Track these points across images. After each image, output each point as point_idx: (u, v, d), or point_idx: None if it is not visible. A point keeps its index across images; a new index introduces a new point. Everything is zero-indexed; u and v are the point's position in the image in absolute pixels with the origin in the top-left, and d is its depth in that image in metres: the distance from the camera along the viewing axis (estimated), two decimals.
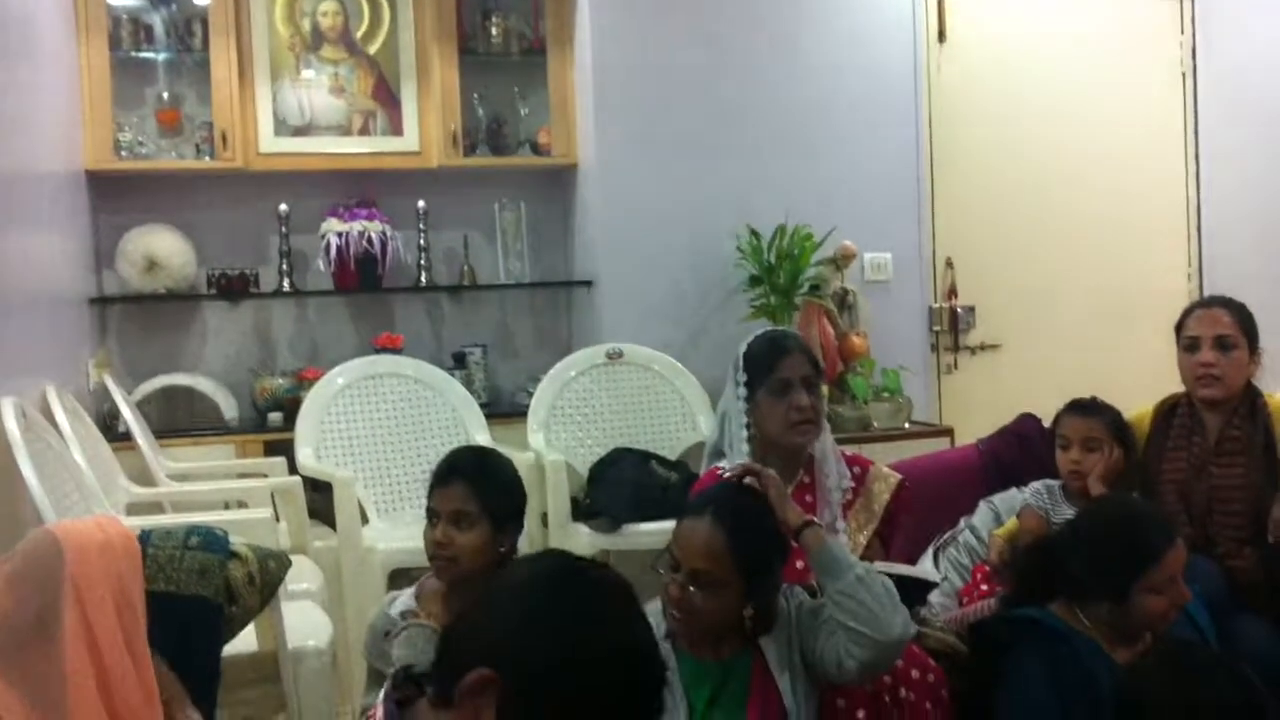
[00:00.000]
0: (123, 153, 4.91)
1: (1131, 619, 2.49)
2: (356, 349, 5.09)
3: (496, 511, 2.56)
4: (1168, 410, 3.31)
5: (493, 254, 5.35)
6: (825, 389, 3.96)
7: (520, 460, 4.33)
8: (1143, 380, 3.60)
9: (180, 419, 4.95)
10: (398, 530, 4.21)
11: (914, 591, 2.75)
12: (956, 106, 5.47)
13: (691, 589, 2.35)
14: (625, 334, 4.93)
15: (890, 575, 2.64)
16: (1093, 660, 2.48)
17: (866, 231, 5.15)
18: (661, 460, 4.53)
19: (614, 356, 4.82)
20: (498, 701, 1.48)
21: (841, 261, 5.01)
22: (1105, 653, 2.49)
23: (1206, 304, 3.32)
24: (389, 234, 5.07)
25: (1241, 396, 3.19)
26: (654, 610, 2.44)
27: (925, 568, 2.76)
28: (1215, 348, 3.16)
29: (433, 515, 2.56)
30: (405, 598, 2.63)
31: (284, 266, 5.08)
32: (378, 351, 4.95)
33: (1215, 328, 3.18)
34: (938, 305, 5.50)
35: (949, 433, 4.92)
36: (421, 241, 5.20)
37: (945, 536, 3.37)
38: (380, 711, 1.58)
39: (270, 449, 4.68)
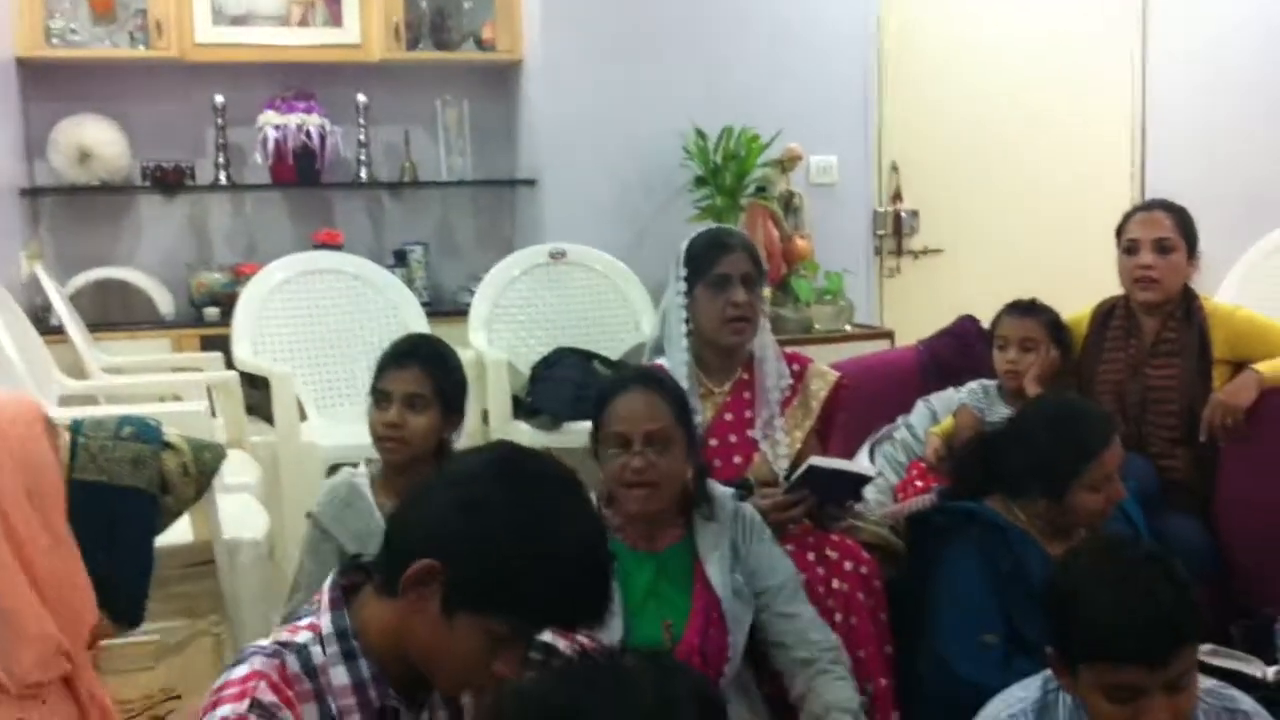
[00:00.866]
0: (54, 40, 4.76)
1: (1068, 515, 2.53)
2: (295, 245, 5.01)
3: (447, 397, 2.58)
4: (1105, 312, 3.34)
5: (435, 151, 5.26)
6: (767, 291, 3.97)
7: (461, 358, 4.31)
8: (1083, 285, 3.62)
9: (114, 313, 4.86)
10: (337, 427, 4.19)
11: (850, 485, 2.77)
12: (906, 10, 5.43)
13: (651, 454, 2.36)
14: (569, 234, 4.88)
15: (827, 470, 2.67)
16: (1026, 551, 2.53)
17: (813, 134, 5.11)
18: (604, 360, 4.52)
19: (557, 256, 4.78)
20: (443, 590, 1.47)
21: (787, 164, 4.98)
22: (1039, 545, 2.53)
23: (1147, 207, 3.34)
24: (328, 128, 4.97)
25: (1178, 299, 3.22)
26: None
27: (861, 463, 2.78)
28: (1154, 250, 3.19)
29: (383, 397, 2.55)
30: (361, 470, 2.61)
31: (220, 159, 4.96)
32: (317, 248, 4.88)
33: (1155, 230, 3.20)
34: (882, 209, 5.50)
35: (890, 335, 4.94)
36: (362, 137, 5.10)
37: (882, 434, 3.40)
38: (325, 597, 1.57)
39: (207, 344, 4.62)
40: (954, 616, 2.55)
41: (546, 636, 1.79)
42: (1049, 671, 1.91)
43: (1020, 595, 2.48)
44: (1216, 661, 2.40)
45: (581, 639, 1.86)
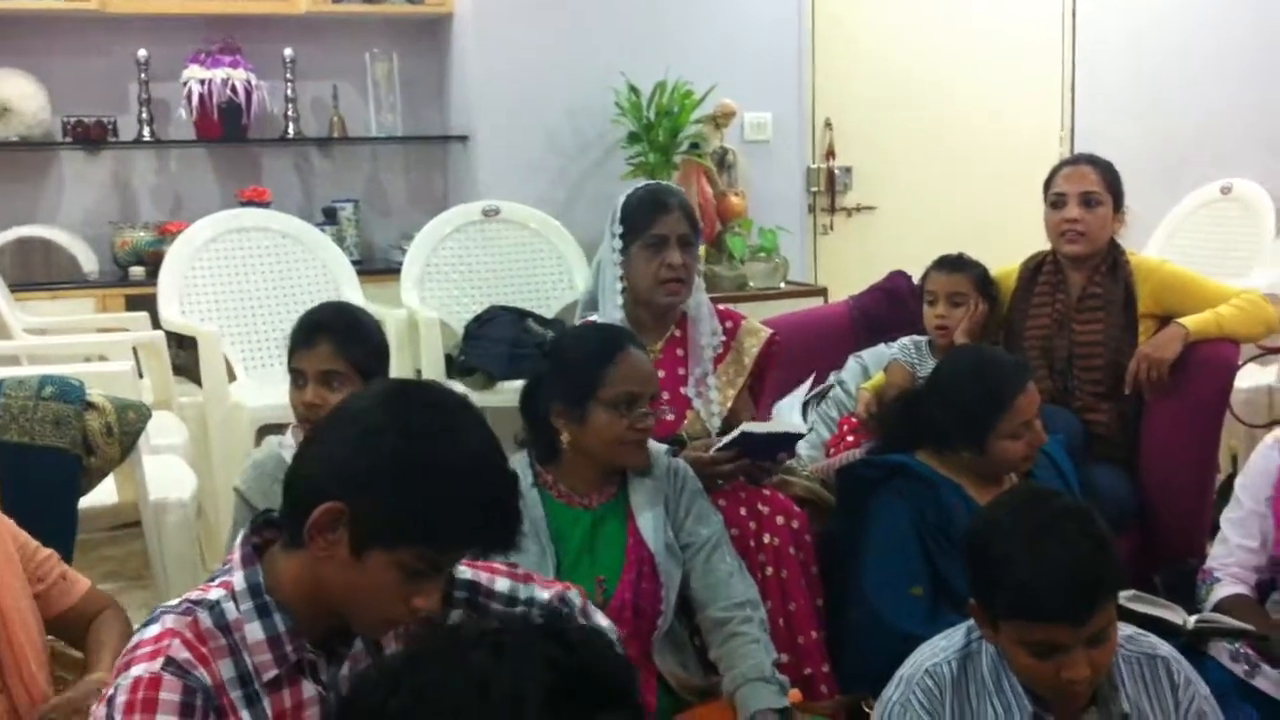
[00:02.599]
0: None
1: (991, 463, 2.56)
2: (221, 202, 4.94)
3: (365, 368, 2.49)
4: (1033, 267, 3.37)
5: (364, 106, 5.18)
6: (702, 249, 3.96)
7: (393, 318, 4.28)
8: (1013, 240, 3.64)
9: (37, 272, 4.76)
10: (266, 387, 4.13)
11: (782, 444, 2.78)
12: None
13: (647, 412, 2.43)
14: (501, 190, 4.84)
15: (759, 434, 2.68)
16: (953, 501, 2.55)
17: (747, 91, 5.10)
18: (538, 318, 4.50)
19: (490, 214, 4.74)
20: (349, 531, 1.46)
21: (721, 120, 4.97)
22: (969, 496, 2.56)
23: (1074, 161, 3.36)
24: (254, 83, 4.88)
25: (1104, 254, 3.25)
26: (519, 462, 2.44)
27: (793, 420, 2.79)
28: (1081, 204, 3.21)
29: (298, 376, 2.48)
30: (289, 440, 2.57)
31: (144, 115, 4.86)
32: (243, 205, 4.80)
33: (1082, 184, 3.23)
34: (815, 166, 5.51)
35: (823, 293, 4.96)
36: (289, 92, 5.02)
37: (816, 392, 3.41)
38: (237, 554, 1.55)
39: (132, 303, 4.55)
40: (882, 568, 2.57)
41: (469, 574, 1.79)
42: (973, 620, 1.93)
43: (947, 547, 2.51)
44: (1139, 608, 2.43)
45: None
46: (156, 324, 4.23)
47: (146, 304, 4.39)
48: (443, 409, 1.53)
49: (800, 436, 2.77)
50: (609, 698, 1.03)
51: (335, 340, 2.47)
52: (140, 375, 3.85)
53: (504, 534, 1.53)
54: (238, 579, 1.52)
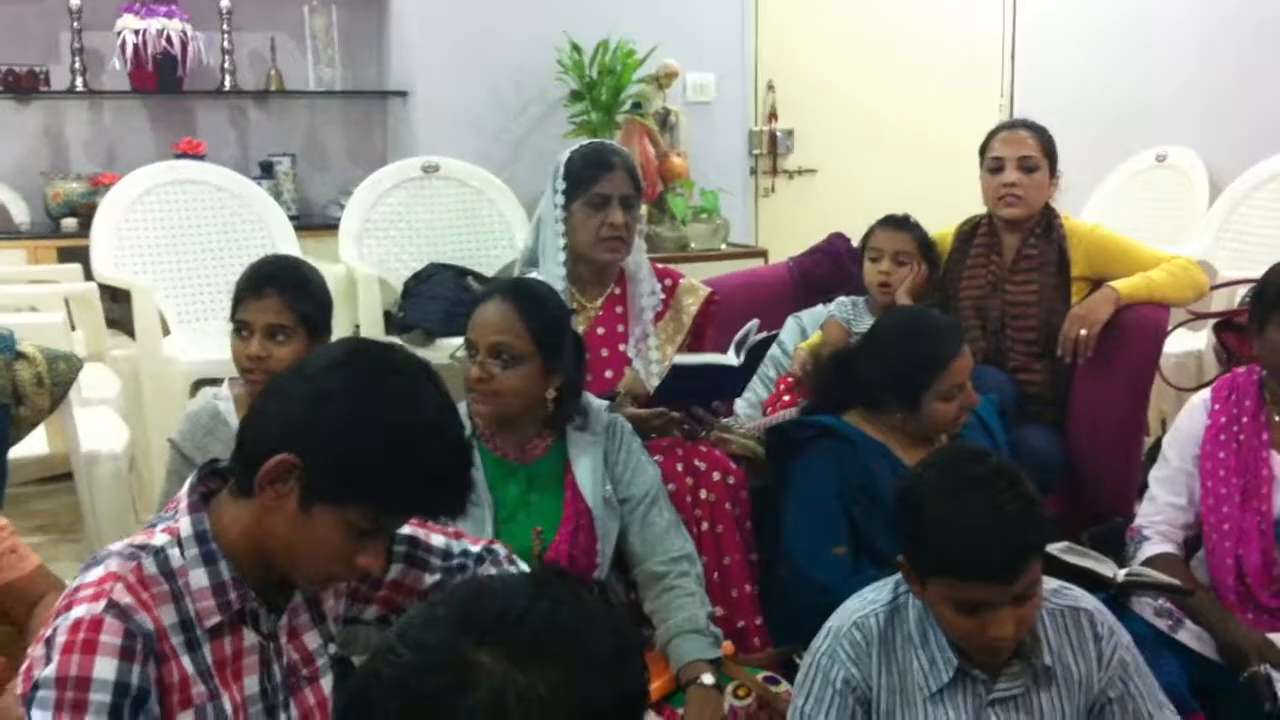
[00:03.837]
0: None
1: (922, 424, 2.59)
2: (156, 154, 4.86)
3: (311, 322, 2.49)
4: (969, 230, 3.40)
5: (302, 59, 5.12)
6: (644, 210, 3.96)
7: (331, 273, 4.21)
8: (951, 205, 3.67)
9: None
10: (200, 341, 4.09)
11: (715, 384, 2.78)
12: None
13: (491, 364, 2.36)
14: (441, 147, 4.81)
15: (691, 366, 2.69)
16: (878, 463, 2.57)
17: (689, 51, 5.09)
18: (477, 276, 4.48)
19: (430, 170, 4.70)
20: (299, 485, 1.46)
21: (664, 80, 4.95)
22: (897, 458, 2.58)
23: (1011, 126, 3.39)
24: (190, 33, 4.82)
25: (1039, 217, 3.29)
26: (461, 411, 2.44)
27: (725, 355, 2.79)
28: (1018, 169, 3.24)
29: (243, 328, 2.46)
30: (225, 393, 2.55)
31: (76, 65, 4.78)
32: (178, 158, 4.73)
33: (1019, 149, 3.26)
34: (758, 128, 5.51)
35: (764, 254, 4.98)
36: (225, 43, 4.95)
37: (743, 332, 3.40)
38: (184, 501, 1.54)
39: (65, 255, 4.48)
40: (805, 525, 2.60)
41: (408, 529, 1.79)
42: (901, 575, 1.95)
43: (869, 507, 2.54)
44: (1071, 559, 2.47)
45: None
46: (89, 276, 4.17)
47: (79, 256, 4.33)
48: (403, 373, 1.53)
49: (732, 369, 2.74)
50: None
51: (283, 293, 2.45)
52: (73, 328, 3.80)
53: (454, 500, 1.54)
54: (184, 525, 1.51)
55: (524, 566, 1.94)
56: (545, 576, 1.06)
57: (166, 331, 4.14)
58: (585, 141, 3.04)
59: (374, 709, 0.99)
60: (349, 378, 1.49)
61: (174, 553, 1.50)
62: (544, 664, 0.97)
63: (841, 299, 3.39)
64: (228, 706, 1.51)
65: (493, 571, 1.86)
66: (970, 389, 2.59)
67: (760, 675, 2.41)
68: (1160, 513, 2.71)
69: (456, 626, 1.00)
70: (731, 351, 2.73)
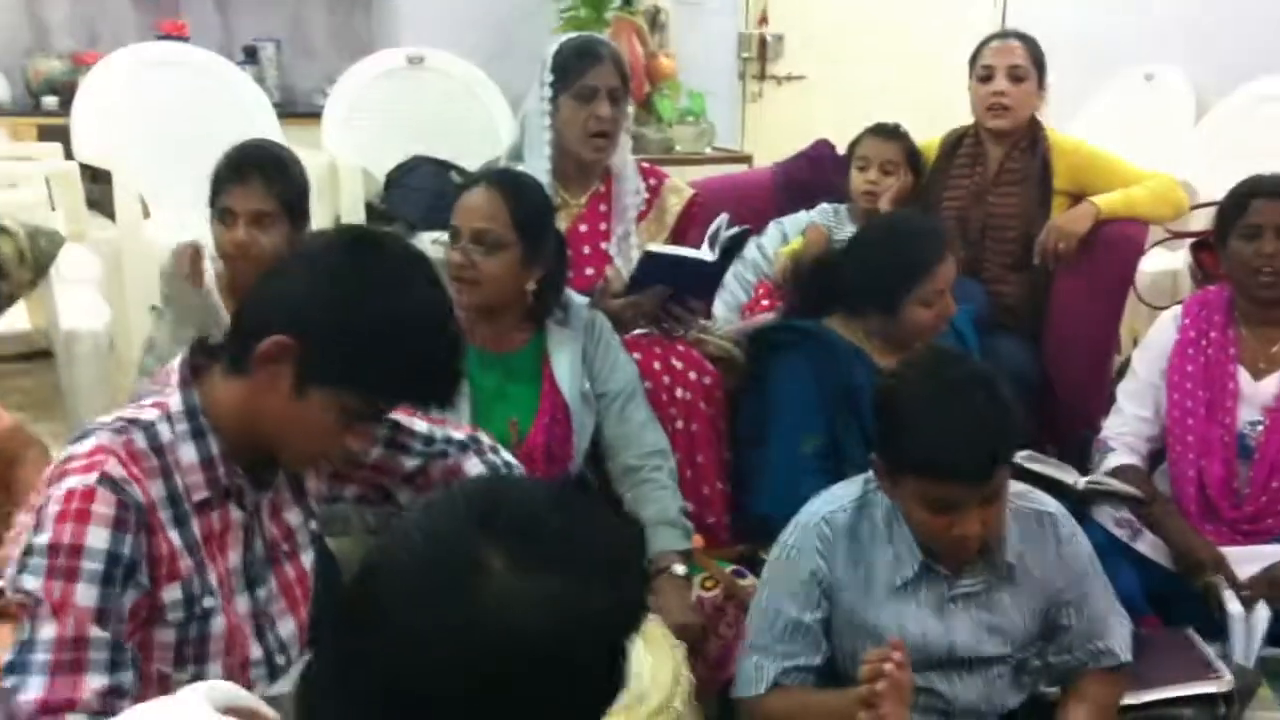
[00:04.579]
0: None
1: (901, 329, 2.61)
2: (137, 34, 4.81)
3: (294, 209, 2.49)
4: (954, 141, 3.41)
5: None
6: (631, 108, 3.94)
7: (313, 162, 4.17)
8: (940, 116, 3.66)
9: None
10: (180, 225, 4.06)
11: (690, 277, 2.79)
12: None
13: (473, 250, 2.37)
14: (427, 37, 4.77)
15: (665, 256, 2.70)
16: (855, 367, 2.61)
17: None
18: (461, 171, 4.45)
19: (415, 61, 4.65)
20: (296, 366, 1.48)
21: None
22: (874, 363, 2.61)
23: (1002, 36, 3.39)
24: None
25: (1025, 129, 3.30)
26: None
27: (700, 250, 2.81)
28: (1008, 78, 3.24)
29: (227, 215, 2.45)
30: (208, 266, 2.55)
31: None
32: (160, 39, 4.66)
33: (1009, 58, 3.25)
34: (748, 32, 5.46)
35: (749, 159, 4.96)
36: None
37: (718, 225, 3.40)
38: (174, 376, 1.56)
39: (45, 134, 4.44)
40: (778, 422, 2.64)
41: (397, 415, 1.82)
42: (870, 472, 2.00)
43: (845, 410, 2.57)
44: (1034, 466, 2.53)
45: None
46: (69, 156, 4.12)
47: (60, 134, 4.29)
48: (402, 262, 1.55)
49: (707, 264, 2.74)
50: None
51: (267, 178, 2.45)
52: (52, 208, 3.77)
53: (445, 391, 1.56)
54: (174, 401, 1.53)
55: (507, 456, 1.98)
56: (568, 490, 1.11)
57: (147, 214, 4.12)
58: (574, 35, 3.02)
59: (381, 585, 1.01)
60: (349, 264, 1.51)
61: (163, 428, 1.52)
62: (549, 572, 0.98)
63: (824, 206, 3.40)
64: (213, 579, 1.55)
65: (476, 461, 1.90)
66: (950, 298, 2.62)
67: (728, 568, 2.47)
68: (1126, 425, 2.77)
69: (474, 523, 1.01)
70: (705, 247, 2.73)
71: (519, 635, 0.96)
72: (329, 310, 1.48)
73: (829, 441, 2.59)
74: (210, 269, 2.55)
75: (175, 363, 1.58)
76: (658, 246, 2.74)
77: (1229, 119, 4.87)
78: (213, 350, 1.60)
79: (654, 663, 1.92)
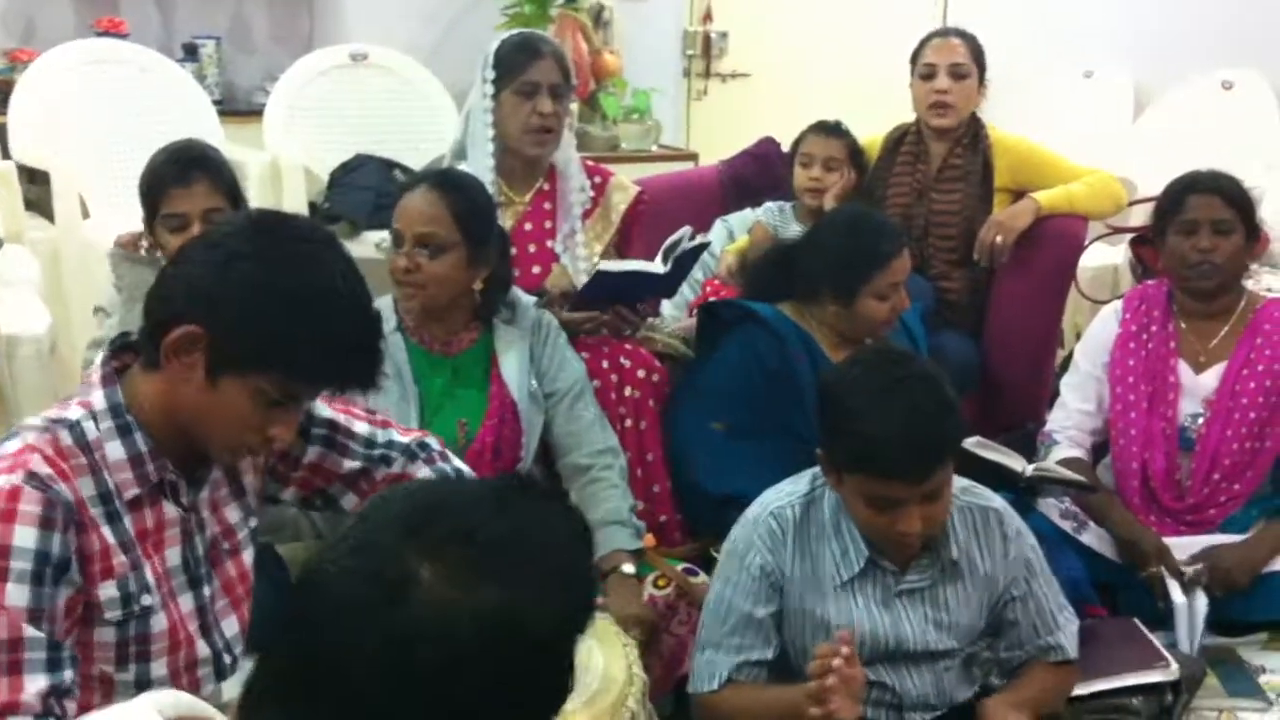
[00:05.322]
0: None
1: (855, 320, 2.63)
2: (76, 31, 4.71)
3: (237, 202, 2.45)
4: (896, 139, 3.44)
5: None
6: (575, 107, 3.94)
7: (255, 161, 4.17)
8: (882, 113, 3.69)
9: None
10: (120, 225, 4.01)
11: (641, 285, 2.81)
12: None
13: (418, 254, 2.36)
14: (370, 34, 4.72)
15: (615, 273, 2.71)
16: (800, 353, 2.62)
17: None
18: (405, 169, 4.43)
19: (358, 58, 4.62)
20: (207, 354, 1.46)
21: None
22: (821, 351, 2.63)
23: (943, 34, 3.42)
24: None
25: (966, 127, 3.33)
26: (384, 305, 2.44)
27: (651, 262, 2.82)
28: (950, 76, 3.27)
29: (175, 220, 2.37)
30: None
31: None
32: (99, 35, 4.59)
33: (951, 56, 3.29)
34: (693, 29, 5.47)
35: (694, 157, 4.96)
36: None
37: (676, 238, 3.43)
38: (96, 375, 1.54)
39: None
40: (695, 403, 2.67)
41: (328, 412, 1.80)
42: (818, 468, 2.01)
43: (787, 393, 2.58)
44: (982, 453, 2.55)
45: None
46: (7, 156, 4.05)
47: None
48: (308, 241, 1.53)
49: (658, 277, 2.77)
50: None
51: (212, 176, 2.41)
52: None
53: (363, 371, 1.54)
54: (97, 398, 1.52)
55: (457, 462, 1.96)
56: (511, 491, 1.04)
57: (86, 214, 4.06)
58: (516, 31, 3.01)
59: (313, 599, 0.99)
60: (253, 246, 1.48)
61: (89, 425, 1.50)
62: (484, 583, 0.96)
63: (769, 205, 3.42)
64: (149, 577, 1.53)
65: (425, 469, 1.87)
66: (903, 293, 2.64)
67: (680, 567, 2.48)
68: (1070, 418, 2.80)
69: (405, 532, 0.98)
70: (659, 258, 2.75)
71: (450, 649, 0.94)
72: (233, 295, 1.45)
73: (748, 425, 2.61)
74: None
75: (96, 361, 1.57)
76: (608, 264, 2.74)
77: (1167, 115, 4.96)
78: (134, 347, 1.58)
79: (605, 659, 1.92)
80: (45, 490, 1.42)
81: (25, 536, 1.39)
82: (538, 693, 1.00)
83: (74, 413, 1.51)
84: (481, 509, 1.00)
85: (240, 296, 1.45)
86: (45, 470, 1.43)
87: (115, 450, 1.50)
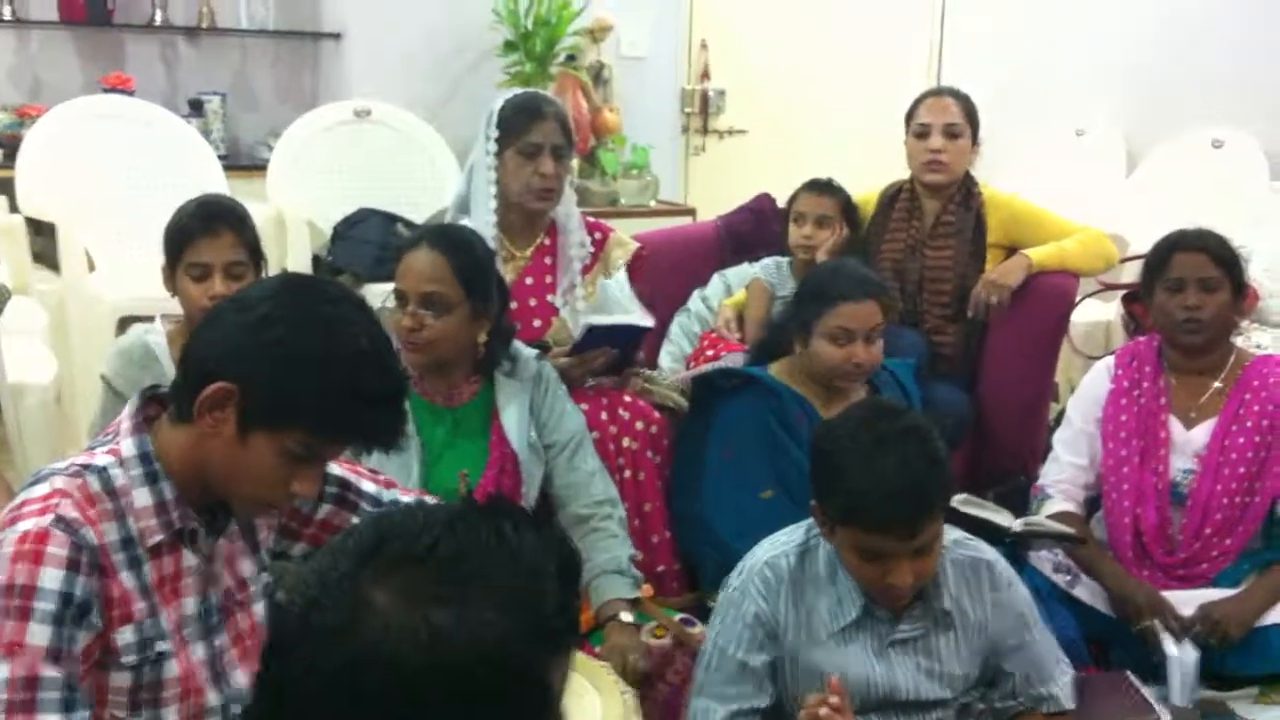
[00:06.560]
0: None
1: (814, 363, 2.69)
2: (83, 87, 4.78)
3: (258, 258, 2.52)
4: (891, 195, 3.49)
5: None
6: (575, 163, 4.00)
7: (259, 214, 4.17)
8: (877, 169, 3.75)
9: None
10: (126, 278, 4.06)
11: (629, 335, 2.86)
12: None
13: (423, 313, 2.40)
14: (373, 91, 4.79)
15: (604, 326, 2.76)
16: (796, 411, 2.66)
17: (624, 5, 5.10)
18: (407, 223, 4.48)
19: (362, 114, 4.69)
20: (238, 410, 1.50)
21: (598, 34, 4.97)
22: (812, 408, 2.67)
23: (937, 93, 3.48)
24: None
25: (960, 184, 3.39)
26: None
27: (639, 316, 2.87)
28: (943, 134, 3.33)
29: (199, 270, 2.43)
30: (157, 328, 2.55)
31: None
32: (107, 92, 4.67)
33: (945, 116, 3.35)
34: (690, 87, 5.55)
35: (692, 213, 5.03)
36: None
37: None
38: (126, 424, 1.58)
39: None
40: (731, 469, 2.69)
41: (339, 471, 1.84)
42: (814, 519, 2.04)
43: (791, 449, 2.62)
44: (970, 510, 2.57)
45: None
46: (14, 209, 4.10)
47: (4, 188, 4.26)
48: (339, 304, 1.57)
49: (646, 329, 2.83)
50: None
51: (236, 229, 2.47)
52: None
53: (388, 430, 1.58)
54: (126, 446, 1.55)
55: None
56: (465, 511, 1.02)
57: (92, 267, 4.10)
58: (520, 91, 3.07)
59: (283, 629, 0.99)
60: (286, 308, 1.52)
61: (117, 472, 1.54)
62: (436, 604, 0.94)
63: (766, 261, 3.47)
64: (165, 623, 1.56)
65: None
66: (863, 347, 2.65)
67: (677, 617, 2.50)
68: (1063, 472, 2.83)
69: (358, 560, 0.97)
70: (642, 311, 2.80)
71: (403, 671, 0.93)
72: (266, 355, 1.49)
73: (784, 489, 2.63)
74: (162, 330, 2.54)
75: (127, 410, 1.60)
76: (597, 318, 2.79)
77: (1159, 173, 5.04)
78: (162, 398, 1.62)
79: (604, 707, 1.94)
80: (72, 534, 1.46)
81: (51, 578, 1.43)
82: (510, 716, 0.97)
83: (103, 459, 1.54)
84: (433, 530, 0.99)
85: (272, 357, 1.49)
86: (73, 515, 1.47)
87: (141, 497, 1.54)
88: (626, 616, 2.38)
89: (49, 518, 1.45)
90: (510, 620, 0.95)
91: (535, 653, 0.97)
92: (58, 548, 1.44)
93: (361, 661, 0.93)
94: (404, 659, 0.92)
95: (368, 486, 1.88)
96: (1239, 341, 2.83)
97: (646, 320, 2.80)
